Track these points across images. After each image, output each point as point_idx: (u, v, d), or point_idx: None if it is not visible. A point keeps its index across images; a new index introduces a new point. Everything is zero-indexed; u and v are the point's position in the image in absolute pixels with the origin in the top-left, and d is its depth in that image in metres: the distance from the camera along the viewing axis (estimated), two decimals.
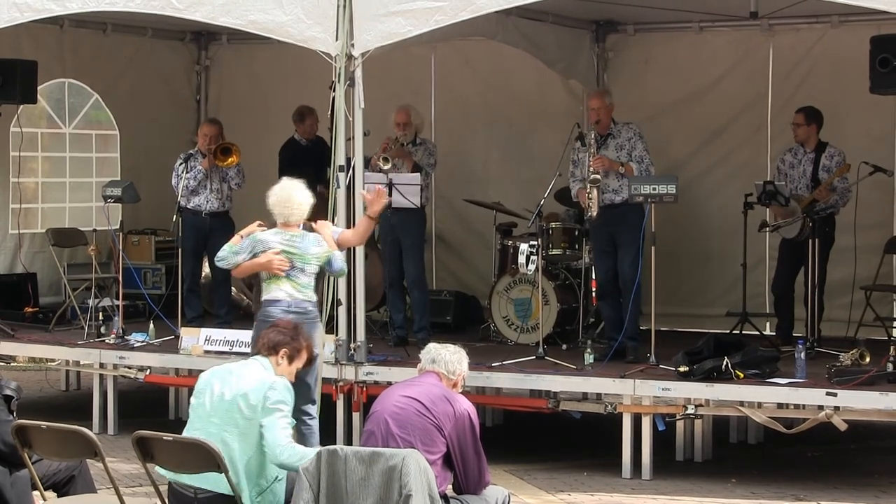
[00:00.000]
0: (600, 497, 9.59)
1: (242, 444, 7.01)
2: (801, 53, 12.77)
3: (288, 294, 8.83)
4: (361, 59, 10.13)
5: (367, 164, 10.81)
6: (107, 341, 11.73)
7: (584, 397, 10.89)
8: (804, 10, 11.81)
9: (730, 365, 9.80)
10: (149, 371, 11.35)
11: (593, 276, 11.64)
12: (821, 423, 9.66)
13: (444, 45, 13.20)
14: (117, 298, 12.47)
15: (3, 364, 13.90)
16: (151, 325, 11.81)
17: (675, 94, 13.21)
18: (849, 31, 12.25)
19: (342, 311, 10.26)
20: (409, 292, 11.79)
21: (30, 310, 12.95)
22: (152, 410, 12.01)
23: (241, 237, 9.00)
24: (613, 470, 10.10)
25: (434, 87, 13.92)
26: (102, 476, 7.45)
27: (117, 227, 12.50)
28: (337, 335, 10.35)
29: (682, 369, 9.94)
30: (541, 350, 10.82)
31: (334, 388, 10.34)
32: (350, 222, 10.19)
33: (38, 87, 13.04)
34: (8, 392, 7.64)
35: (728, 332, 11.55)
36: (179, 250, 12.30)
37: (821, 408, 9.69)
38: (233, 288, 12.95)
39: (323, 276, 9.40)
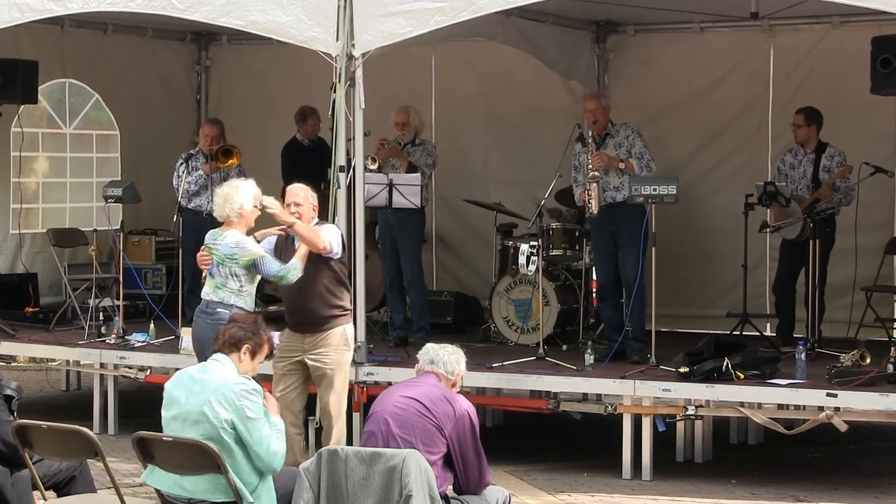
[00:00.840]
0: (600, 498, 9.58)
1: (222, 452, 6.78)
2: (801, 54, 12.75)
3: (205, 293, 8.90)
4: (362, 59, 10.12)
5: None
6: (107, 341, 11.74)
7: (585, 398, 10.88)
8: (805, 11, 11.80)
9: (730, 366, 9.80)
10: (149, 371, 11.34)
11: (594, 277, 11.65)
12: (821, 424, 9.66)
13: (444, 46, 13.18)
14: (118, 298, 12.48)
15: (3, 364, 13.89)
16: (152, 326, 11.82)
17: (675, 94, 13.19)
18: (849, 31, 12.24)
19: None
20: (408, 293, 11.78)
21: (30, 310, 12.96)
22: (152, 410, 11.93)
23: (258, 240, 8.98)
24: (613, 471, 10.09)
25: (434, 87, 13.90)
26: (103, 476, 7.46)
27: (118, 227, 12.51)
28: None
29: (682, 370, 9.94)
30: (541, 351, 10.82)
31: None
32: (350, 222, 10.19)
33: (39, 88, 13.04)
34: (8, 392, 7.64)
35: (728, 332, 11.55)
36: (180, 250, 12.26)
37: (821, 409, 9.68)
38: None
39: (262, 281, 9.07)
